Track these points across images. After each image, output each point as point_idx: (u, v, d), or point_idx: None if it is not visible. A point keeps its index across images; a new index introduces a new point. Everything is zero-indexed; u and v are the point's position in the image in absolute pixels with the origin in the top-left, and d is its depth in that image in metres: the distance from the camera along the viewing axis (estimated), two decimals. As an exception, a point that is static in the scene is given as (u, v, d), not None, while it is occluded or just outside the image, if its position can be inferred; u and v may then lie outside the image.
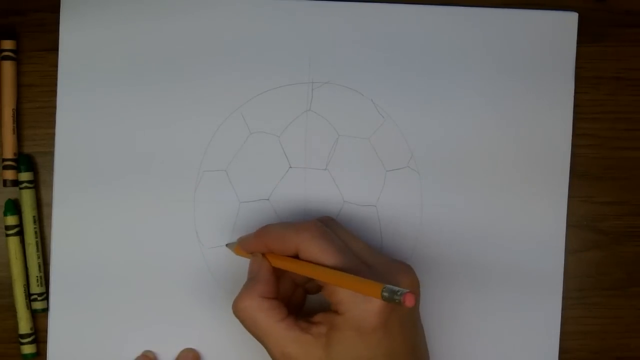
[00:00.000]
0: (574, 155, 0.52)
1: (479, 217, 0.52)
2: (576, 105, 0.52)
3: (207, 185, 0.51)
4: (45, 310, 0.51)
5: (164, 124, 0.51)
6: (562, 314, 0.52)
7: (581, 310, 0.53)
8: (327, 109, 0.51)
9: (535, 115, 0.52)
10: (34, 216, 0.51)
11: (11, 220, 0.50)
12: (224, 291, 0.51)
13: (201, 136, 0.51)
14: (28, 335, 0.51)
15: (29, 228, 0.51)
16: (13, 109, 0.51)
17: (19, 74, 0.51)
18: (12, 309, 0.51)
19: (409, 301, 0.37)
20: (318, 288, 0.47)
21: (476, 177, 0.52)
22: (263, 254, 0.46)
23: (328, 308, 0.44)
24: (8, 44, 0.50)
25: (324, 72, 0.51)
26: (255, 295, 0.44)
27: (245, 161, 0.51)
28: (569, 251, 0.52)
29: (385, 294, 0.38)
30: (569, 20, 0.52)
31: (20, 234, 0.51)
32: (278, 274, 0.46)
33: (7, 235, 0.50)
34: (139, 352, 0.51)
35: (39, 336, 0.51)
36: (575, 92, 0.52)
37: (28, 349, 0.51)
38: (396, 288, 0.37)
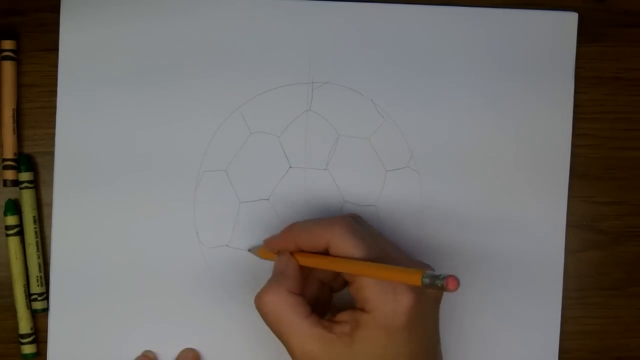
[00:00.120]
0: (573, 155, 0.52)
1: (479, 217, 0.52)
2: (576, 105, 0.52)
3: (207, 185, 0.51)
4: (45, 310, 0.51)
5: (164, 124, 0.51)
6: (561, 313, 0.52)
7: (581, 310, 0.53)
8: (327, 109, 0.52)
9: (535, 115, 0.52)
10: (34, 216, 0.51)
11: (11, 220, 0.50)
12: (224, 291, 0.51)
13: (201, 136, 0.51)
14: (28, 335, 0.51)
15: (29, 228, 0.51)
16: (13, 109, 0.51)
17: (19, 74, 0.51)
18: (12, 309, 0.51)
19: (451, 284, 0.36)
20: (342, 285, 0.47)
21: (476, 177, 0.52)
22: (290, 252, 0.45)
23: (352, 307, 0.43)
24: (8, 44, 0.50)
25: (324, 72, 0.51)
26: (282, 289, 0.43)
27: (245, 161, 0.51)
28: (568, 251, 0.52)
29: (425, 279, 0.37)
30: (568, 20, 0.52)
31: (21, 234, 0.51)
32: (305, 274, 0.45)
33: (7, 235, 0.50)
34: (139, 352, 0.51)
35: (39, 336, 0.51)
36: (575, 92, 0.52)
37: (28, 349, 0.51)
38: (437, 273, 0.37)
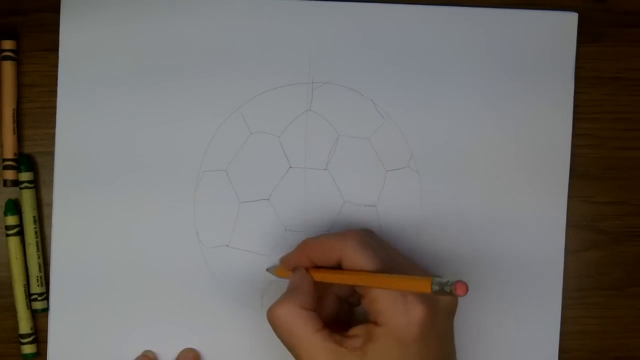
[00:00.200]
0: (573, 155, 0.52)
1: (479, 216, 0.52)
2: (576, 105, 0.52)
3: (207, 185, 0.51)
4: (45, 310, 0.51)
5: (164, 124, 0.51)
6: (561, 313, 0.52)
7: (581, 310, 0.53)
8: (327, 109, 0.52)
9: (535, 115, 0.52)
10: (34, 216, 0.51)
11: (11, 220, 0.50)
12: (224, 291, 0.51)
13: (201, 136, 0.51)
14: (28, 335, 0.51)
15: (29, 228, 0.51)
16: (13, 109, 0.51)
17: (19, 74, 0.51)
18: (12, 309, 0.51)
19: (460, 289, 0.36)
20: (360, 299, 0.47)
21: (476, 177, 0.52)
22: (305, 269, 0.46)
23: (366, 320, 0.43)
24: (8, 44, 0.50)
25: (324, 72, 0.51)
26: (295, 304, 0.43)
27: (245, 161, 0.51)
28: (568, 251, 0.52)
29: (435, 286, 0.37)
30: (568, 20, 0.52)
31: (21, 234, 0.51)
32: (320, 291, 0.46)
33: (8, 235, 0.50)
34: (139, 352, 0.51)
35: (39, 336, 0.51)
36: (575, 92, 0.52)
37: (28, 349, 0.51)
38: (445, 279, 0.37)
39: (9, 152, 0.51)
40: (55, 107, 0.51)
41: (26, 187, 0.51)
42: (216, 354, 0.51)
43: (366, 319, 0.43)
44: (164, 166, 0.51)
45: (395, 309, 0.41)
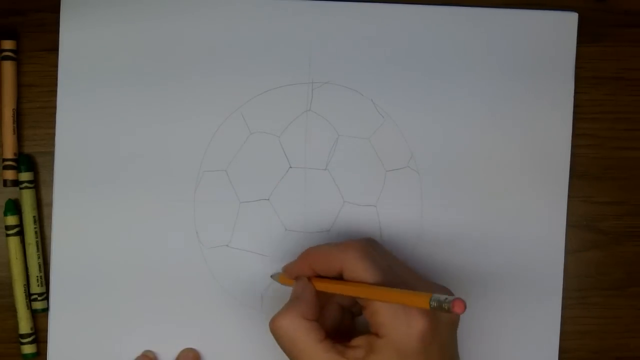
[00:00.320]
0: (573, 155, 0.52)
1: (479, 216, 0.52)
2: (576, 105, 0.52)
3: (207, 185, 0.51)
4: (45, 310, 0.51)
5: (164, 123, 0.51)
6: (561, 313, 0.52)
7: (581, 310, 0.53)
8: (327, 109, 0.52)
9: (535, 116, 0.52)
10: (34, 216, 0.51)
11: (11, 220, 0.50)
12: (224, 291, 0.51)
13: (201, 136, 0.51)
14: (28, 335, 0.51)
15: (29, 228, 0.51)
16: (13, 109, 0.51)
17: (19, 74, 0.51)
18: (12, 309, 0.51)
19: (458, 307, 0.36)
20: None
21: (476, 177, 0.52)
22: (308, 278, 0.46)
23: (368, 331, 0.43)
24: (8, 44, 0.50)
25: (324, 72, 0.51)
26: (297, 314, 0.43)
27: (245, 161, 0.51)
28: (568, 251, 0.52)
29: (433, 303, 0.37)
30: (569, 20, 0.52)
31: (21, 234, 0.51)
32: (322, 300, 0.46)
33: (8, 235, 0.50)
34: (139, 352, 0.51)
35: (39, 336, 0.51)
36: (575, 92, 0.52)
37: (28, 349, 0.51)
38: (443, 296, 0.37)
39: (9, 152, 0.51)
40: (55, 107, 0.51)
41: (26, 187, 0.51)
42: (216, 354, 0.51)
43: (368, 329, 0.43)
44: (164, 166, 0.51)
45: (397, 321, 0.41)
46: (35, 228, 0.51)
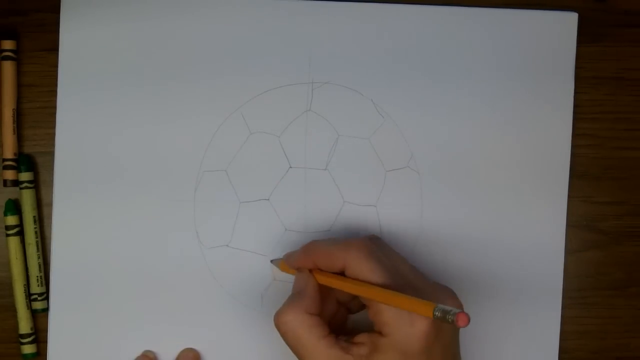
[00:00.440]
0: (573, 155, 0.52)
1: (479, 216, 0.52)
2: (576, 105, 0.52)
3: (207, 185, 0.51)
4: (45, 310, 0.51)
5: (164, 123, 0.51)
6: (561, 313, 0.52)
7: (580, 310, 0.53)
8: (327, 109, 0.52)
9: (535, 115, 0.52)
10: (34, 216, 0.51)
11: (11, 220, 0.50)
12: (224, 291, 0.51)
13: (201, 136, 0.51)
14: (28, 335, 0.51)
15: (29, 228, 0.51)
16: (13, 109, 0.51)
17: (19, 74, 0.51)
18: (12, 309, 0.51)
19: (461, 321, 0.37)
20: (360, 307, 0.47)
21: (476, 176, 0.52)
22: (310, 270, 0.46)
23: (370, 329, 0.43)
24: (8, 44, 0.50)
25: (324, 72, 0.51)
26: (300, 310, 0.43)
27: (245, 161, 0.51)
28: (568, 251, 0.52)
29: (437, 313, 0.38)
30: (569, 20, 0.52)
31: (21, 234, 0.51)
32: (323, 292, 0.45)
33: (8, 235, 0.50)
34: (139, 352, 0.51)
35: (39, 336, 0.51)
36: (575, 92, 0.52)
37: (28, 349, 0.51)
38: (448, 308, 0.37)
39: (9, 152, 0.51)
40: (55, 107, 0.51)
41: (26, 187, 0.51)
42: (216, 354, 0.51)
43: (364, 325, 0.43)
44: (164, 166, 0.51)
45: (400, 321, 0.41)
46: (35, 228, 0.51)
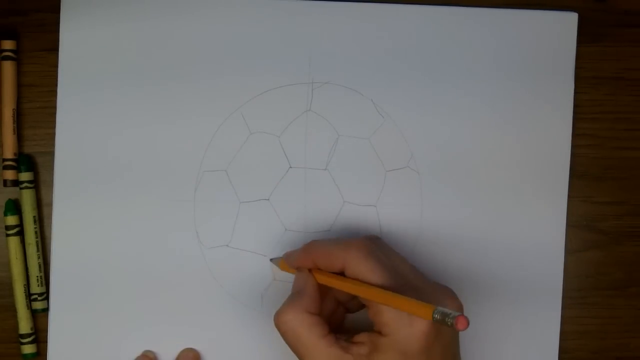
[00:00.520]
0: (573, 155, 0.52)
1: (479, 217, 0.52)
2: (576, 105, 0.52)
3: (207, 185, 0.51)
4: (45, 310, 0.51)
5: (164, 123, 0.51)
6: (561, 313, 0.52)
7: (580, 310, 0.53)
8: (327, 109, 0.52)
9: (535, 116, 0.52)
10: (34, 216, 0.51)
11: (11, 220, 0.50)
12: (224, 291, 0.51)
13: (201, 136, 0.51)
14: (28, 335, 0.51)
15: (29, 228, 0.51)
16: (13, 109, 0.51)
17: (19, 74, 0.51)
18: (12, 309, 0.51)
19: (461, 324, 0.37)
20: (359, 307, 0.47)
21: (476, 177, 0.52)
22: (309, 270, 0.46)
23: (369, 328, 0.43)
24: (8, 44, 0.50)
25: (324, 72, 0.51)
26: (300, 309, 0.43)
27: (245, 161, 0.51)
28: (568, 251, 0.52)
29: (436, 315, 0.38)
30: (569, 20, 0.52)
31: (21, 234, 0.51)
32: (322, 291, 0.45)
33: (8, 235, 0.50)
34: (139, 352, 0.51)
35: (39, 336, 0.51)
36: (575, 92, 0.52)
37: (28, 349, 0.51)
38: (448, 310, 0.37)
39: (9, 152, 0.51)
40: (55, 107, 0.51)
41: (26, 187, 0.51)
42: (216, 354, 0.51)
43: (363, 324, 0.43)
44: (164, 166, 0.51)
45: (400, 321, 0.41)
46: (35, 228, 0.51)
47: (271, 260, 0.50)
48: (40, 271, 0.51)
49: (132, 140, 0.51)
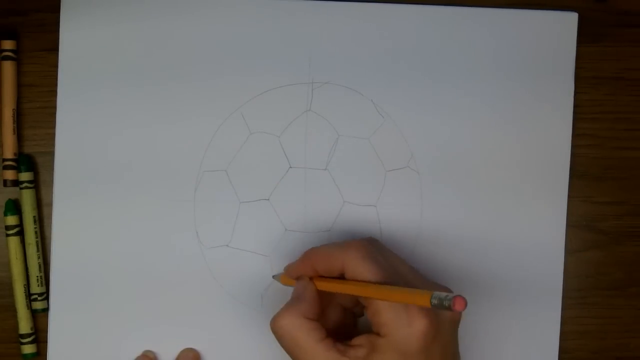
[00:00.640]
0: (573, 155, 0.52)
1: (479, 217, 0.52)
2: (576, 105, 0.52)
3: (207, 185, 0.51)
4: (45, 310, 0.51)
5: (164, 124, 0.51)
6: (561, 313, 0.52)
7: (580, 310, 0.53)
8: (327, 109, 0.52)
9: (535, 115, 0.52)
10: (34, 216, 0.51)
11: (11, 220, 0.50)
12: (224, 291, 0.51)
13: (201, 136, 0.51)
14: (28, 335, 0.51)
15: (29, 228, 0.51)
16: (13, 109, 0.51)
17: (19, 74, 0.51)
18: (12, 309, 0.51)
19: (458, 305, 0.36)
20: (364, 310, 0.47)
21: (476, 177, 0.52)
22: (310, 278, 0.46)
23: (369, 331, 0.43)
24: (8, 44, 0.50)
25: (324, 72, 0.51)
26: (298, 314, 0.43)
27: (245, 161, 0.51)
28: (568, 251, 0.52)
29: (434, 300, 0.38)
30: (569, 20, 0.52)
31: (21, 234, 0.51)
32: (325, 302, 0.46)
33: (8, 235, 0.50)
34: (139, 352, 0.51)
35: (39, 336, 0.51)
36: (575, 92, 0.52)
37: (28, 349, 0.51)
38: (444, 294, 0.37)
39: (9, 152, 0.51)
40: (55, 107, 0.51)
41: (26, 187, 0.51)
42: (216, 354, 0.51)
43: (370, 330, 0.43)
44: (164, 166, 0.51)
45: (398, 321, 0.41)
46: (35, 228, 0.51)
47: (273, 277, 0.50)
48: (40, 271, 0.51)
49: (132, 141, 0.51)
